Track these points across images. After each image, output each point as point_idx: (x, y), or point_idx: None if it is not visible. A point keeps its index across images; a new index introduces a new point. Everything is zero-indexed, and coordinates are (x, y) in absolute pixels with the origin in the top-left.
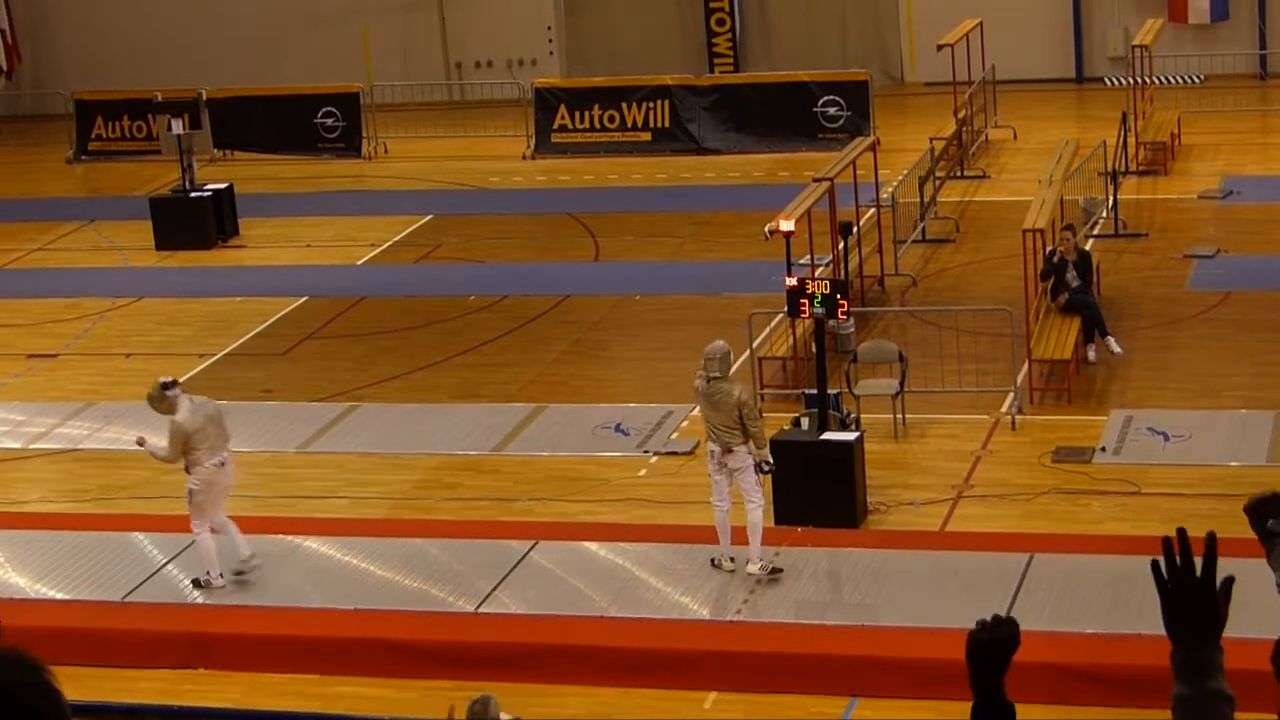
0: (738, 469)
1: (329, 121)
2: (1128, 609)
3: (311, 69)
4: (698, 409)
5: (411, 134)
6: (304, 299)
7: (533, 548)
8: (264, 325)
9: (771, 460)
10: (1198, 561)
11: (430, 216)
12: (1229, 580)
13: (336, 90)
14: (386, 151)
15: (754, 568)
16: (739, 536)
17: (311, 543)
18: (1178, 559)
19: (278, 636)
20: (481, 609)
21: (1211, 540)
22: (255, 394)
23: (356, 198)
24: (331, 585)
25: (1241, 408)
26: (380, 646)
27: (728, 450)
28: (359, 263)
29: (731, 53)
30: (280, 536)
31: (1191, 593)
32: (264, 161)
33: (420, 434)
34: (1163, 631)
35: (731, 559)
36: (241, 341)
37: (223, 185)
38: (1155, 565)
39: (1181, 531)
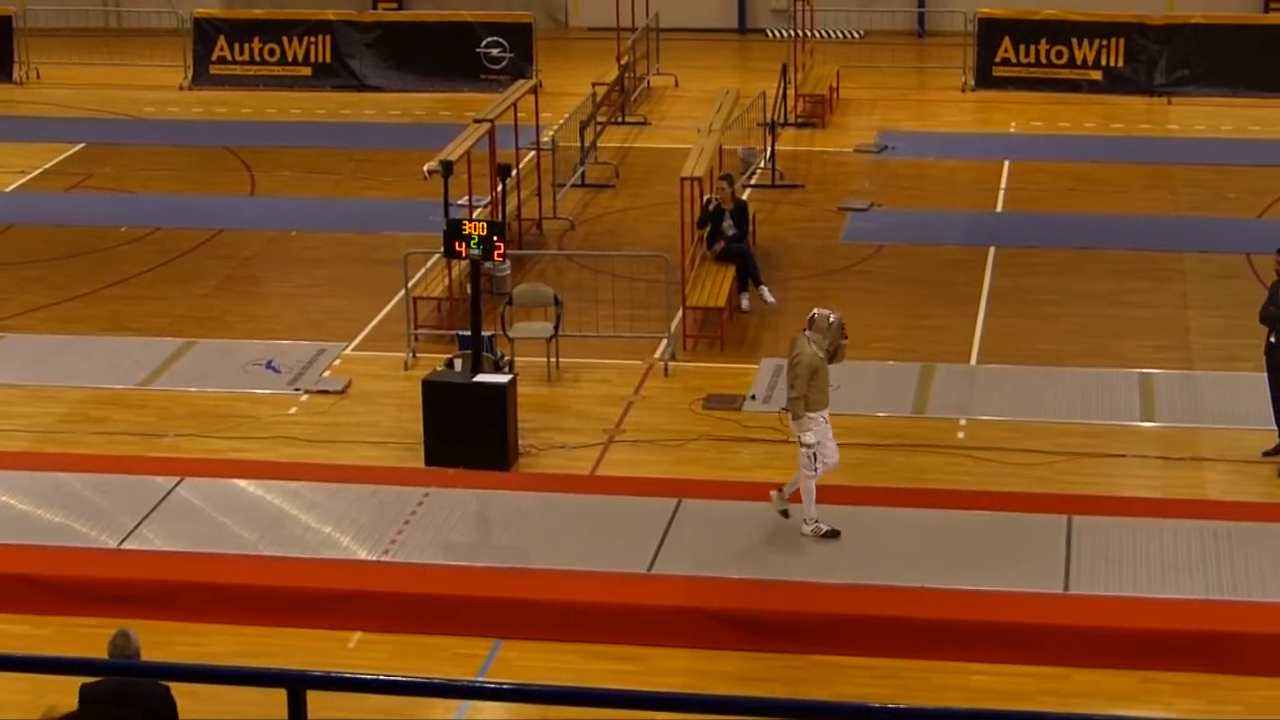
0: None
1: None
2: (771, 555)
3: None
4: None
5: (66, 60)
6: None
7: (179, 484)
8: None
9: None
10: None
11: (83, 145)
12: None
13: None
14: (39, 77)
15: (808, 529)
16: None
17: None
18: None
19: None
20: (124, 545)
21: None
22: None
23: (6, 123)
24: None
25: (889, 359)
26: (19, 582)
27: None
28: (7, 190)
29: None
30: None
31: None
32: None
33: (66, 366)
34: (804, 578)
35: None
36: None
37: None
38: None
39: None
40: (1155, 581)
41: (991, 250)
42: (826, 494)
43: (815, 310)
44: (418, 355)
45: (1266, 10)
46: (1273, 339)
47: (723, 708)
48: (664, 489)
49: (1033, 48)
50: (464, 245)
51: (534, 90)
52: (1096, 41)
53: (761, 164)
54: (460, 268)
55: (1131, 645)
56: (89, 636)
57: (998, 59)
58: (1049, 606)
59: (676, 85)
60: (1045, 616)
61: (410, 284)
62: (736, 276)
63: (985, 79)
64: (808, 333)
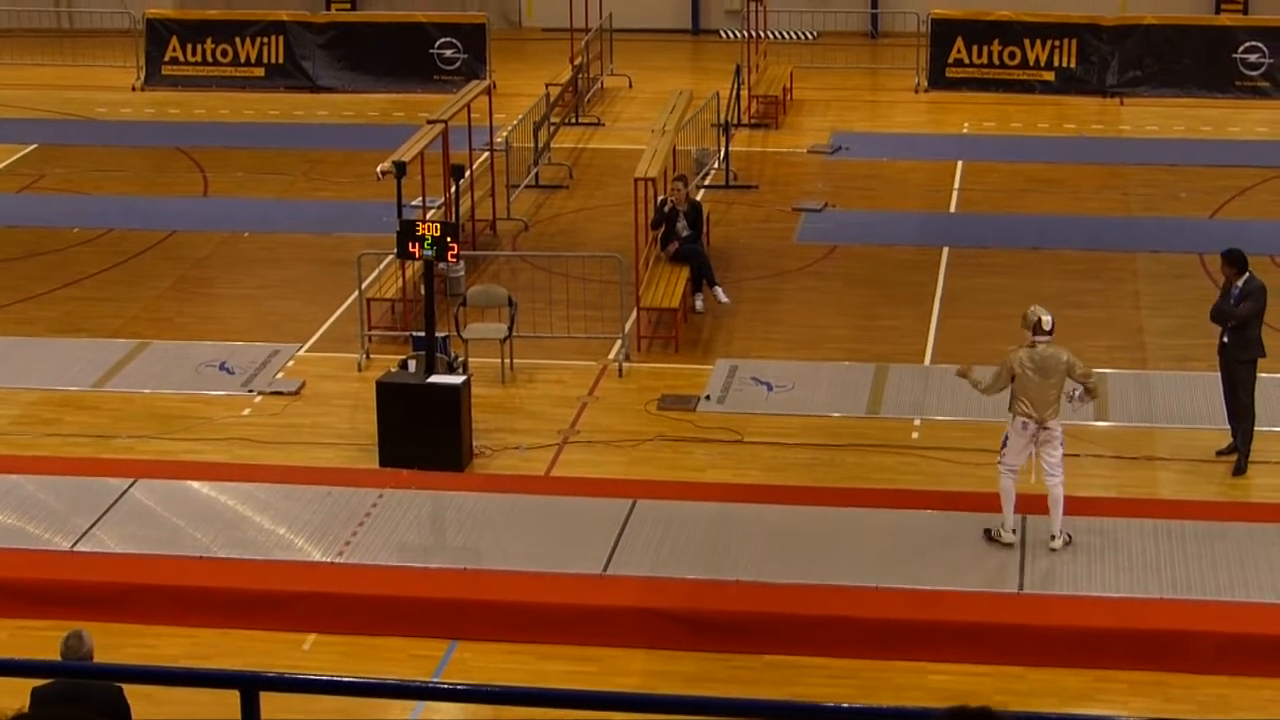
0: (1047, 442)
1: None
2: (726, 555)
3: None
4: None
5: (16, 60)
6: None
7: (132, 485)
8: None
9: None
10: None
11: (34, 146)
12: None
13: None
14: None
15: (1057, 543)
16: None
17: None
18: None
19: None
20: (77, 547)
21: None
22: None
23: None
24: None
25: (843, 359)
26: None
27: (1043, 425)
28: None
29: None
30: None
31: None
32: None
33: (18, 367)
34: (759, 578)
35: (1014, 530)
36: None
37: None
38: None
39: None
40: (1110, 580)
41: (945, 251)
42: (780, 495)
43: None
44: (371, 356)
45: (1218, 11)
46: (1225, 339)
47: (679, 708)
48: (619, 490)
49: (985, 48)
50: (418, 246)
51: (488, 91)
52: (1049, 42)
53: (715, 165)
54: (414, 269)
55: (1086, 644)
56: (42, 639)
57: (951, 60)
58: (1004, 606)
59: (630, 86)
60: (1000, 615)
61: (364, 285)
62: (690, 277)
63: (938, 80)
64: None
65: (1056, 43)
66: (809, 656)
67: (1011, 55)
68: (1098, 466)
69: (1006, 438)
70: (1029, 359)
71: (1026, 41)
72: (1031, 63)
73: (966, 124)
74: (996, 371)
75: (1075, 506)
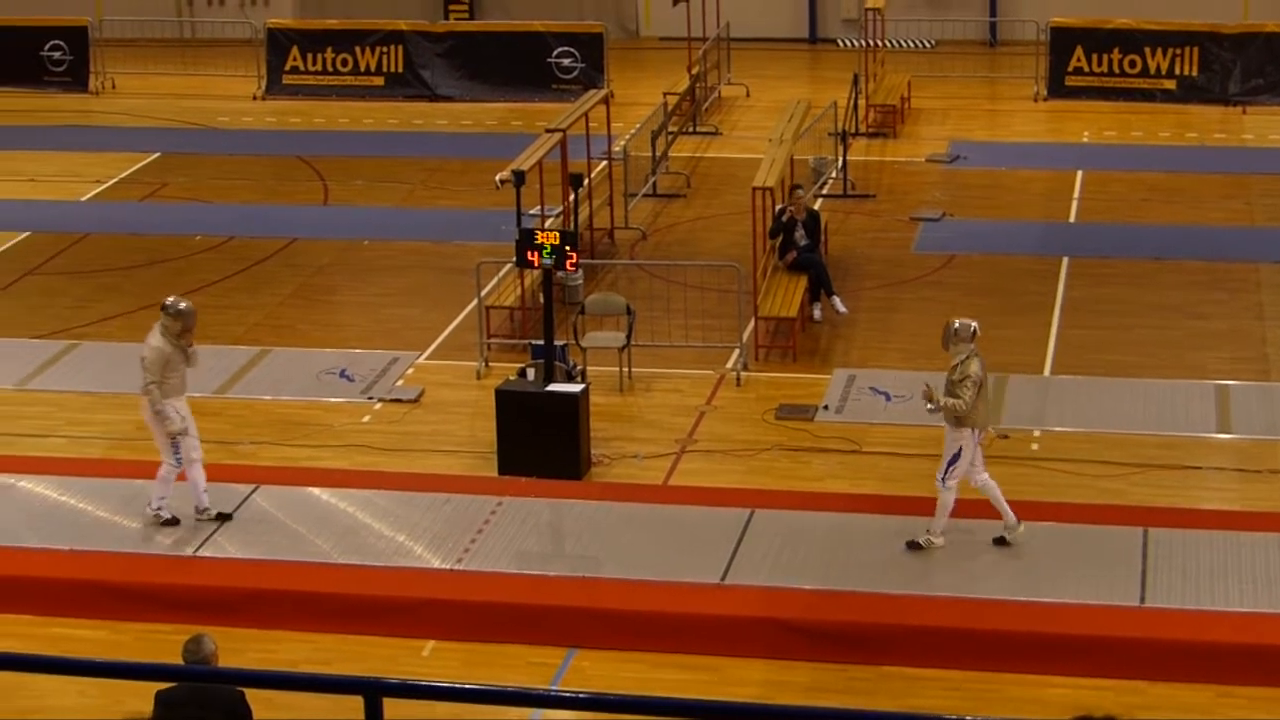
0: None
1: (56, 55)
2: (845, 566)
3: (40, 0)
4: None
5: (141, 70)
6: (26, 234)
7: (254, 491)
8: None
9: (932, 404)
10: None
11: (158, 154)
12: None
13: (65, 23)
14: (115, 87)
15: (1021, 529)
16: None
17: (27, 482)
18: None
19: None
20: (200, 552)
21: None
22: None
23: (82, 133)
24: (48, 525)
25: None
26: (96, 588)
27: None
28: (84, 199)
29: (467, 1)
30: None
31: None
32: None
33: (142, 374)
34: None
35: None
36: None
37: None
38: None
39: None
40: (1233, 595)
41: (1065, 260)
42: (898, 505)
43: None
44: (490, 364)
45: None
46: None
47: (794, 718)
48: (736, 499)
49: (1105, 57)
50: (536, 255)
51: (605, 100)
52: (1170, 50)
53: (833, 174)
54: (532, 277)
55: (1208, 659)
56: (165, 643)
57: (1070, 68)
58: (1125, 619)
59: (748, 95)
60: (1121, 629)
61: (483, 293)
62: (808, 286)
63: (1058, 88)
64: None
65: (1178, 51)
66: (926, 668)
67: (1132, 64)
68: (1221, 480)
69: (958, 453)
70: (980, 368)
71: (1147, 50)
72: (1152, 71)
73: (1086, 133)
74: (972, 389)
75: (1200, 520)
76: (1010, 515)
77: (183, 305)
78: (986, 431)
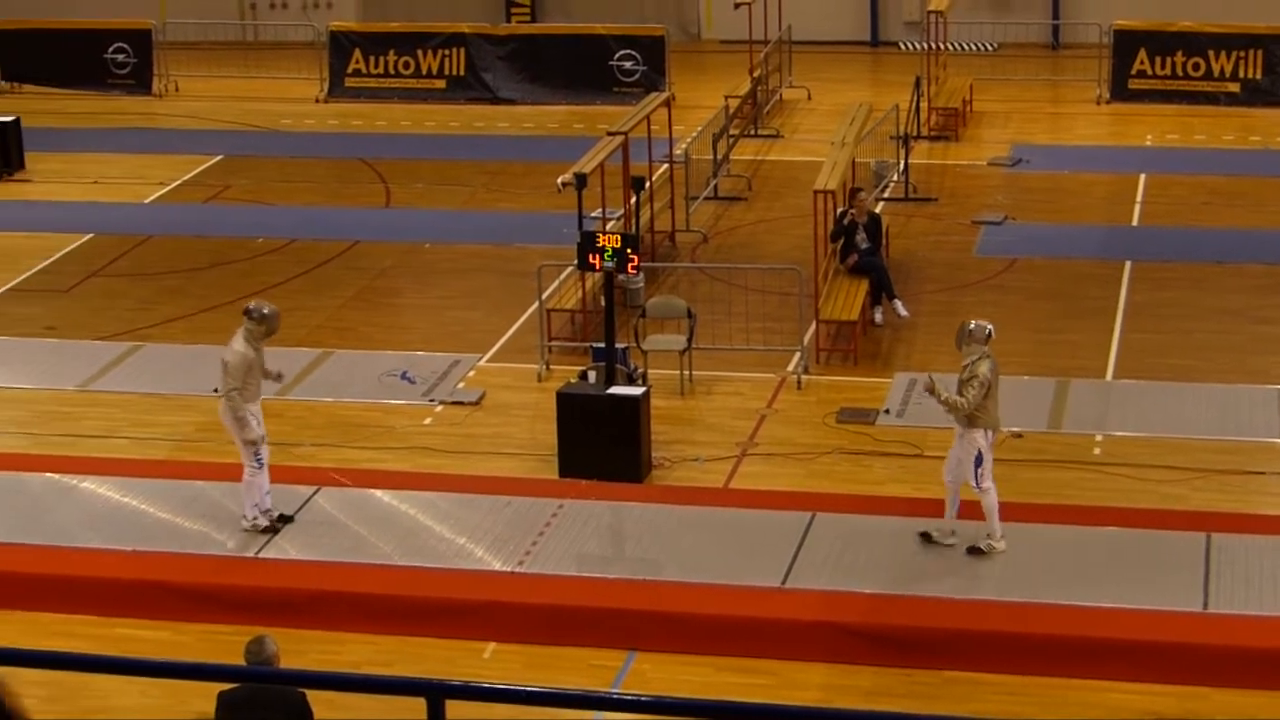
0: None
1: (120, 57)
2: (906, 570)
3: (104, 3)
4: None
5: (203, 73)
6: (89, 236)
7: (316, 493)
8: (48, 261)
9: (932, 395)
10: None
11: (220, 157)
12: None
13: (128, 26)
14: (178, 90)
15: (1003, 544)
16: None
17: (90, 483)
18: None
19: (55, 576)
20: (262, 554)
21: None
22: (37, 331)
23: (146, 135)
24: (110, 526)
25: (1024, 374)
26: (158, 589)
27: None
28: (147, 201)
29: (529, 3)
30: (59, 476)
31: None
32: (53, 96)
33: (205, 375)
34: (939, 593)
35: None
36: (24, 277)
37: (9, 118)
38: None
39: None
40: None
41: (1127, 264)
42: (960, 510)
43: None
44: (551, 367)
45: None
46: None
47: None
48: (798, 502)
49: (1169, 60)
50: (598, 258)
51: (667, 103)
52: (1234, 53)
53: (894, 177)
54: (594, 280)
55: (1272, 665)
56: (227, 644)
57: (1133, 71)
58: (1188, 625)
59: (809, 98)
60: (1184, 635)
61: (544, 296)
62: (870, 290)
63: (1120, 91)
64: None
65: (1241, 54)
66: (988, 673)
67: (1195, 66)
68: None
69: (979, 455)
70: (990, 370)
71: (1211, 53)
72: (1216, 74)
73: (1149, 136)
74: (978, 389)
75: (1262, 525)
76: (996, 527)
77: (267, 309)
78: (999, 433)
